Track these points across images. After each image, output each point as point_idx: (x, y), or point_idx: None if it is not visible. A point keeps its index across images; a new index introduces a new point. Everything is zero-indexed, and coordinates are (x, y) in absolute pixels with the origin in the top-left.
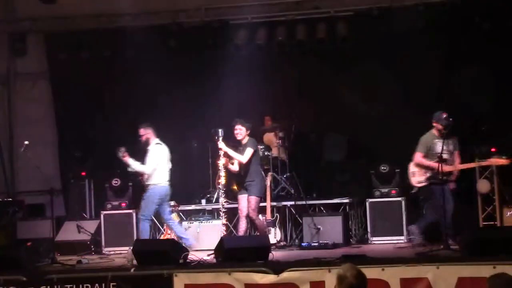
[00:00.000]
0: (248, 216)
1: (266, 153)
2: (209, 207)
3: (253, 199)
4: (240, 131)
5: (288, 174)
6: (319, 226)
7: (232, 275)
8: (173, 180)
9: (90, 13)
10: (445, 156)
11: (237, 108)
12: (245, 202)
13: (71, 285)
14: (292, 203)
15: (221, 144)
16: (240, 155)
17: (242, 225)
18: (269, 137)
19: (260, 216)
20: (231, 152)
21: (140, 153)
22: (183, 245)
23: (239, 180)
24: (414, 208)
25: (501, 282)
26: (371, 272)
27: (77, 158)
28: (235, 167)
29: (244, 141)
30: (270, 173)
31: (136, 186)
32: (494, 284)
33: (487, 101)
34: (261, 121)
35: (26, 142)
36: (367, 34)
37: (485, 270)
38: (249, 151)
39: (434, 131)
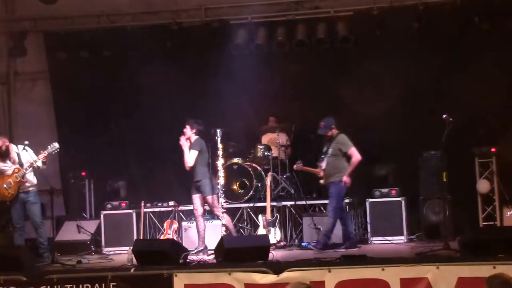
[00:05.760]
0: (214, 214)
1: (266, 153)
2: (209, 207)
3: (210, 198)
4: (186, 130)
5: (288, 174)
6: (319, 226)
7: (232, 275)
8: (173, 180)
9: (90, 13)
10: None
11: (237, 108)
12: (198, 202)
13: (71, 285)
14: (292, 203)
15: (182, 141)
16: (188, 154)
17: (201, 225)
18: (270, 137)
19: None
20: (185, 150)
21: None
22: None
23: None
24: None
25: (499, 282)
26: (371, 272)
27: (80, 160)
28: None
29: (192, 141)
30: (270, 173)
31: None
32: (492, 284)
33: (487, 101)
34: (265, 121)
35: (26, 142)
36: (367, 34)
37: (485, 270)
38: (193, 153)
39: None
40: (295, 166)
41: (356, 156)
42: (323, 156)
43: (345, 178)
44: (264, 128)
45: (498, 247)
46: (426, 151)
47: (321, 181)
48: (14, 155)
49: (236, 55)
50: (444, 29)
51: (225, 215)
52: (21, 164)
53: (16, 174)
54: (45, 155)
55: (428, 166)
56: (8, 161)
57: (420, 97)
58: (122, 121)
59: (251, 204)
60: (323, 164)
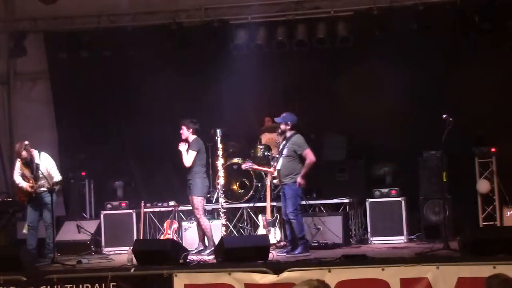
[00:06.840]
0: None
1: (266, 153)
2: (209, 207)
3: (194, 199)
4: (183, 131)
5: None
6: (319, 226)
7: (232, 275)
8: (173, 180)
9: (90, 13)
10: None
11: (237, 108)
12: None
13: (71, 285)
14: None
15: (181, 146)
16: (186, 155)
17: (205, 224)
18: (269, 137)
19: (204, 217)
20: (183, 153)
21: None
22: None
23: None
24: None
25: (498, 282)
26: (371, 272)
27: (80, 160)
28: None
29: (190, 141)
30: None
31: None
32: (492, 284)
33: (487, 101)
34: (261, 121)
35: (26, 142)
36: (367, 34)
37: (485, 270)
38: (191, 153)
39: None
40: (243, 166)
41: (310, 157)
42: (277, 156)
43: (299, 180)
44: (261, 128)
45: (498, 247)
46: (426, 151)
47: (275, 181)
48: (34, 165)
49: (236, 55)
50: (444, 29)
51: (205, 220)
52: (36, 177)
53: (30, 186)
54: (50, 186)
55: (428, 166)
56: (30, 173)
57: (420, 97)
58: (122, 121)
59: (251, 204)
60: (277, 164)
